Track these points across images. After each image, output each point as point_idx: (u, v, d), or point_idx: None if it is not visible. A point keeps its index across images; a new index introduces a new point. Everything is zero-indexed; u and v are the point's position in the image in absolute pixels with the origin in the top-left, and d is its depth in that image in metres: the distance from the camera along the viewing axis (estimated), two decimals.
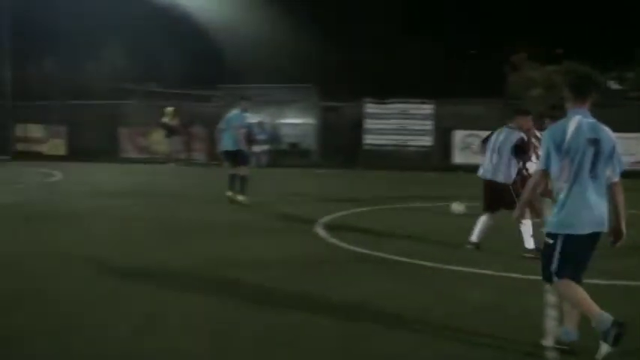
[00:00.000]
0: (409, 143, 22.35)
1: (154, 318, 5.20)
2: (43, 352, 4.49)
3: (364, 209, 11.68)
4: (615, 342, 4.02)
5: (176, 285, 6.22)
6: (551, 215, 4.39)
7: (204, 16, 26.64)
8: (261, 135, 22.05)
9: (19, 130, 25.47)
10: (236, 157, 12.13)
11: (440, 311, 5.45)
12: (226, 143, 12.19)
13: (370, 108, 22.78)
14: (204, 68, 27.45)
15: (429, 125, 22.17)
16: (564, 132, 4.23)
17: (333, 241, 8.45)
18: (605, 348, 4.07)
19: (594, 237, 4.26)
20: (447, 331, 4.88)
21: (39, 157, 23.88)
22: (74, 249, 7.90)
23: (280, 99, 23.68)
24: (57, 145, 24.74)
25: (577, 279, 4.29)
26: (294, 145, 24.02)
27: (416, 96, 22.22)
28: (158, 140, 23.06)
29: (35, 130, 25.34)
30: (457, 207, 10.68)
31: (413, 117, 22.35)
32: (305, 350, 4.57)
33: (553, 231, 4.28)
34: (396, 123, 22.44)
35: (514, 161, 7.79)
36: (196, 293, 5.91)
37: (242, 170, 12.08)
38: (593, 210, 4.22)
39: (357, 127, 22.74)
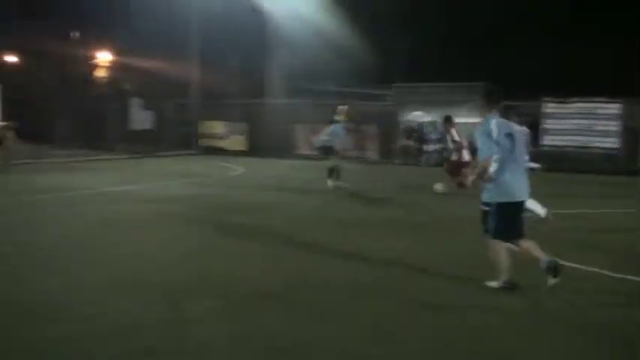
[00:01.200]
0: (593, 145, 20.92)
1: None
2: None
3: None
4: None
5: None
6: None
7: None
8: (433, 134, 21.74)
9: (204, 127, 27.36)
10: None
11: None
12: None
13: (549, 107, 21.65)
14: (377, 66, 27.59)
15: (615, 126, 20.61)
16: None
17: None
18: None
19: None
20: None
21: (222, 152, 25.49)
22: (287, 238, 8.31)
23: (452, 98, 23.16)
24: (238, 141, 26.20)
25: None
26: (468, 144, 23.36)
27: (598, 94, 20.74)
28: None
29: (218, 127, 27.05)
30: (439, 187, 13.03)
31: (597, 117, 20.90)
32: None
33: None
34: (578, 123, 21.13)
35: None
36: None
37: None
38: None
39: (534, 128, 21.64)
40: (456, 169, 13.11)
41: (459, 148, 13.19)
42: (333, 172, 13.99)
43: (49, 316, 5.19)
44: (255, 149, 25.19)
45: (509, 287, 5.91)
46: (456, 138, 13.27)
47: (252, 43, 28.30)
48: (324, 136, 14.59)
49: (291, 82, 27.22)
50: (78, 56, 32.74)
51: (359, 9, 26.27)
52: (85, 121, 27.57)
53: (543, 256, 5.86)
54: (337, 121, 14.59)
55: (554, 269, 5.78)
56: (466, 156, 13.04)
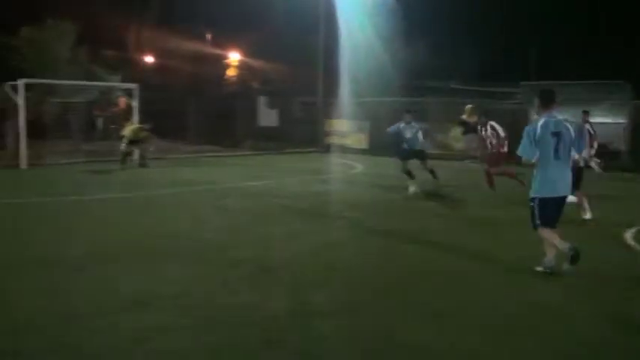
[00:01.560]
0: None
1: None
2: None
3: None
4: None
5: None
6: None
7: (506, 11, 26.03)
8: None
9: (329, 124, 27.72)
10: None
11: None
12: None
13: None
14: (506, 65, 26.78)
15: None
16: None
17: None
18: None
19: None
20: None
21: (344, 150, 25.72)
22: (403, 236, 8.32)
23: (588, 97, 21.99)
24: (360, 139, 26.31)
25: None
26: (602, 146, 22.12)
27: None
28: (456, 137, 23.10)
29: (342, 125, 27.30)
30: (412, 188, 12.60)
31: None
32: None
33: None
34: None
35: None
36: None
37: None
38: None
39: None
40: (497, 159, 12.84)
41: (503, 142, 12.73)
42: (433, 173, 13.46)
43: (193, 302, 5.49)
44: (376, 147, 25.19)
45: (550, 272, 6.40)
46: (502, 133, 12.80)
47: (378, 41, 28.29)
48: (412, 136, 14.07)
49: (419, 80, 26.98)
50: (210, 57, 34.21)
51: (497, 6, 25.63)
52: (215, 119, 28.74)
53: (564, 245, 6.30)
54: (409, 122, 13.93)
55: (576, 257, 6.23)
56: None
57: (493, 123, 13.09)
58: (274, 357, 4.43)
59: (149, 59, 37.63)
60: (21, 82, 19.03)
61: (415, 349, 4.53)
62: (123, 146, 18.06)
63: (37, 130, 19.94)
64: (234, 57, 33.38)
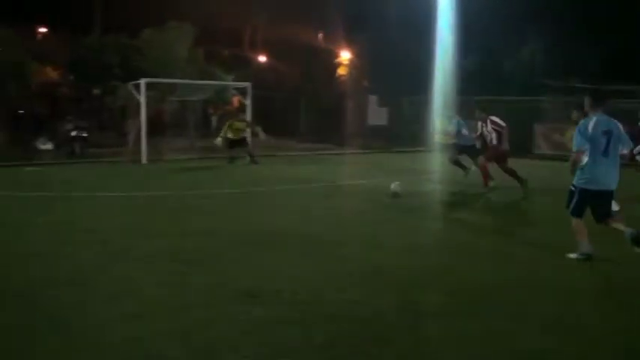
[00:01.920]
0: None
1: None
2: None
3: None
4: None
5: None
6: None
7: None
8: None
9: (438, 124, 27.18)
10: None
11: None
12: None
13: None
14: (628, 63, 25.17)
15: None
16: None
17: None
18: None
19: None
20: None
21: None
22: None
23: None
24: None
25: None
26: None
27: None
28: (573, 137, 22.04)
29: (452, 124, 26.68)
30: (395, 187, 11.79)
31: None
32: None
33: None
34: None
35: None
36: None
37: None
38: None
39: None
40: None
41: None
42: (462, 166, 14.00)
43: (301, 297, 5.49)
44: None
45: (586, 258, 6.79)
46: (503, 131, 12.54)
47: (492, 38, 27.48)
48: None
49: (535, 79, 25.94)
50: (321, 55, 34.52)
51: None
52: (326, 117, 29.00)
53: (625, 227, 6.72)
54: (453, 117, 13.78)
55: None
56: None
57: (494, 118, 12.86)
58: (384, 354, 4.32)
59: (262, 58, 38.49)
60: (142, 82, 20.00)
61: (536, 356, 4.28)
62: (218, 140, 18.56)
63: (156, 128, 20.91)
64: (345, 56, 33.45)
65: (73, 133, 21.05)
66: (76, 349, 4.30)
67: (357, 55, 32.83)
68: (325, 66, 34.37)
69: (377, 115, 29.14)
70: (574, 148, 6.84)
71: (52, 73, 28.86)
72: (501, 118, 12.90)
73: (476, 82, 26.41)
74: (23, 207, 10.49)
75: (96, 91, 24.64)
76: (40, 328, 4.67)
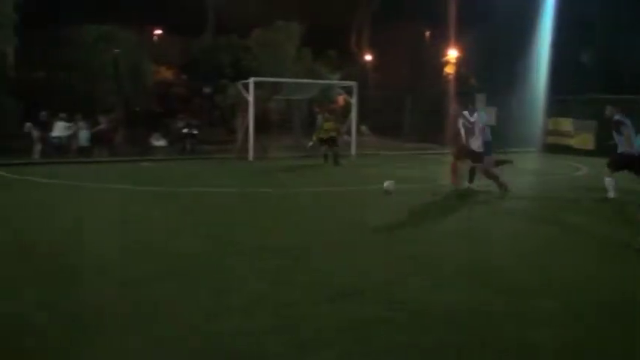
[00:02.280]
0: None
1: None
2: None
3: None
4: None
5: None
6: None
7: None
8: None
9: (550, 123, 26.16)
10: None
11: None
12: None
13: None
14: None
15: None
16: None
17: None
18: None
19: None
20: None
21: (568, 150, 24.10)
22: None
23: None
24: (586, 140, 24.47)
25: None
26: None
27: None
28: None
29: (565, 124, 25.61)
30: (389, 185, 11.78)
31: None
32: None
33: None
34: None
35: None
36: None
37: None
38: None
39: None
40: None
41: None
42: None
43: (398, 297, 5.47)
44: (605, 149, 23.20)
45: None
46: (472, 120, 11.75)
47: (608, 34, 26.14)
48: None
49: None
50: (428, 54, 34.12)
51: None
52: (432, 116, 28.63)
53: None
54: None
55: None
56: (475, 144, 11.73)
57: (465, 113, 12.10)
58: (490, 358, 4.22)
59: (368, 57, 38.46)
60: (251, 81, 20.56)
61: None
62: (310, 144, 18.68)
63: (263, 125, 21.45)
64: (452, 54, 32.87)
65: (185, 131, 21.99)
66: (182, 337, 4.48)
67: (465, 52, 32.18)
68: (432, 64, 33.94)
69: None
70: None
71: (166, 73, 30.29)
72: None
73: (592, 80, 25.19)
74: (139, 200, 11.05)
75: (207, 90, 25.58)
76: (145, 316, 4.90)
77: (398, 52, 35.60)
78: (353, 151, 21.65)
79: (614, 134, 11.29)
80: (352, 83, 22.56)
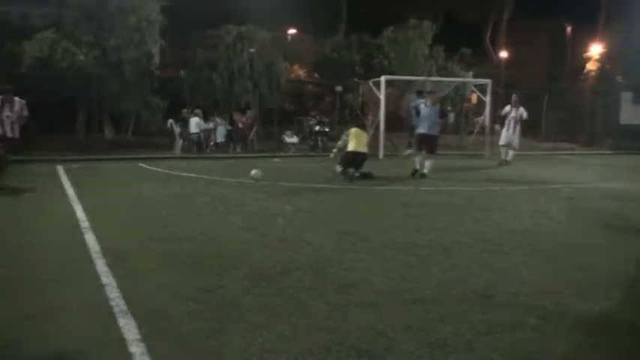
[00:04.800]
0: None
1: None
2: None
3: None
4: None
5: None
6: None
7: None
8: None
9: None
10: None
11: None
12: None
13: None
14: None
15: None
16: None
17: None
18: None
19: None
20: None
21: None
22: None
23: None
24: None
25: None
26: None
27: None
28: None
29: None
30: (256, 173, 12.70)
31: None
32: None
33: None
34: None
35: None
36: None
37: None
38: None
39: None
40: None
41: None
42: None
43: (539, 302, 5.23)
44: None
45: None
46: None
47: None
48: None
49: None
50: (569, 50, 32.56)
51: None
52: (571, 115, 27.30)
53: None
54: None
55: None
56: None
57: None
58: None
59: (503, 54, 37.18)
60: (383, 79, 20.53)
61: None
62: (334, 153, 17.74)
63: (393, 123, 21.37)
64: (595, 50, 31.06)
65: (317, 128, 22.34)
66: (317, 327, 4.51)
67: (611, 48, 30.33)
68: (572, 61, 32.36)
69: (632, 114, 26.59)
70: None
71: (299, 72, 30.96)
72: None
73: None
74: (271, 195, 11.31)
75: (338, 88, 25.83)
76: (280, 307, 4.98)
77: (535, 49, 34.23)
78: (486, 150, 21.04)
79: None
80: (487, 81, 21.91)
